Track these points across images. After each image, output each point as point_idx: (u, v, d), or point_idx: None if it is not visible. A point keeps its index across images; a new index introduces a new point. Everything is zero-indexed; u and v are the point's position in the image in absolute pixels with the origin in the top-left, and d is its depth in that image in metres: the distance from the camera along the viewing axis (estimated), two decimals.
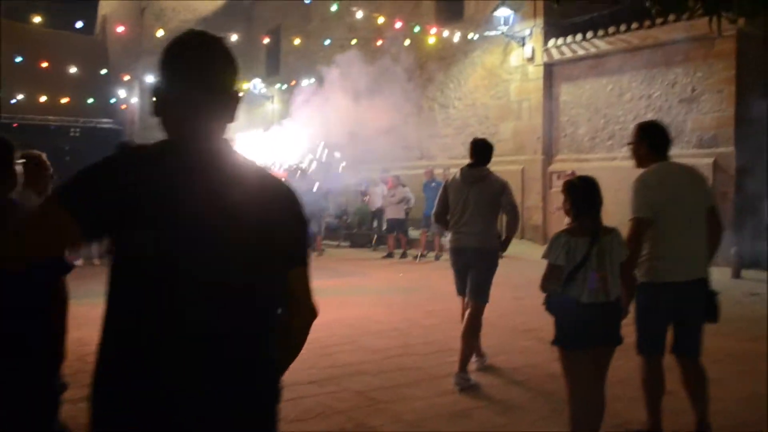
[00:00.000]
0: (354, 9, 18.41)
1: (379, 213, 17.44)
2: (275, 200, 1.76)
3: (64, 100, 21.43)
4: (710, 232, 4.23)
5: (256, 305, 1.73)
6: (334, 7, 18.68)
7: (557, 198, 15.13)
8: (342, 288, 10.82)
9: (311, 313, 1.86)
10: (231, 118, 1.79)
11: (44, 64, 18.49)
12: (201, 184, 1.64)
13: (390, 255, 15.62)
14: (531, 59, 16.19)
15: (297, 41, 20.73)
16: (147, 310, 1.63)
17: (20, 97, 20.29)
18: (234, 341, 1.67)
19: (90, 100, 22.46)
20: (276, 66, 25.82)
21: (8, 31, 19.32)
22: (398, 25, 17.69)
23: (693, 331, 4.20)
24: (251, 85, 24.87)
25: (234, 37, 20.03)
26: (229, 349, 1.67)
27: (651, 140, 4.28)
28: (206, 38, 1.76)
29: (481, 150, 5.90)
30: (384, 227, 17.01)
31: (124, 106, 24.57)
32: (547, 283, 3.78)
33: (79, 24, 16.52)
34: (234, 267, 1.67)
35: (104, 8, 27.32)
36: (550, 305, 3.85)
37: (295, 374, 5.73)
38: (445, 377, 5.68)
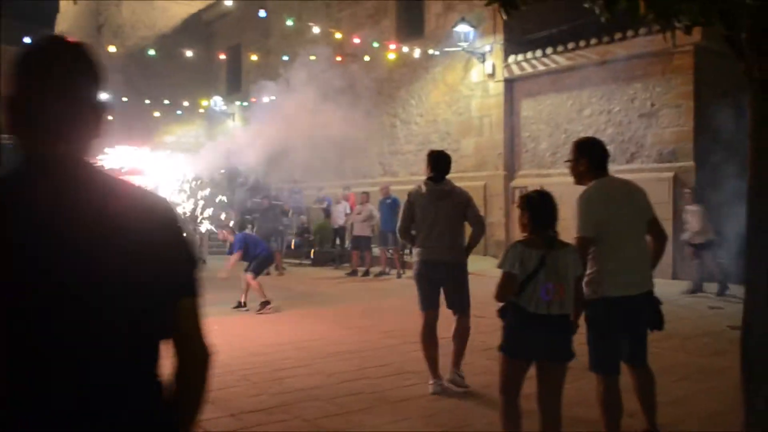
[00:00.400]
0: (311, 24, 18.26)
1: (341, 231, 17.21)
2: (153, 221, 1.53)
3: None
4: (654, 243, 4.30)
5: (136, 346, 1.50)
6: (289, 22, 18.53)
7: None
8: (299, 308, 10.57)
9: (202, 353, 1.63)
10: (96, 132, 1.55)
11: None
12: (65, 207, 1.43)
13: (354, 272, 15.40)
14: (492, 75, 16.13)
15: (254, 57, 20.52)
16: (12, 354, 1.38)
17: None
18: (109, 391, 1.44)
19: None
20: (237, 83, 25.55)
21: None
22: (356, 41, 17.58)
23: (641, 340, 4.24)
24: (212, 103, 24.59)
25: (189, 53, 19.78)
26: (104, 400, 1.44)
27: (591, 157, 4.26)
28: (63, 44, 1.54)
29: (442, 161, 5.86)
30: (347, 244, 16.82)
31: None
32: (502, 291, 3.80)
33: (26, 39, 16.03)
34: (110, 301, 1.44)
35: (61, 24, 26.84)
36: (502, 313, 3.89)
37: (241, 401, 5.54)
38: (400, 402, 5.46)
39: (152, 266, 1.49)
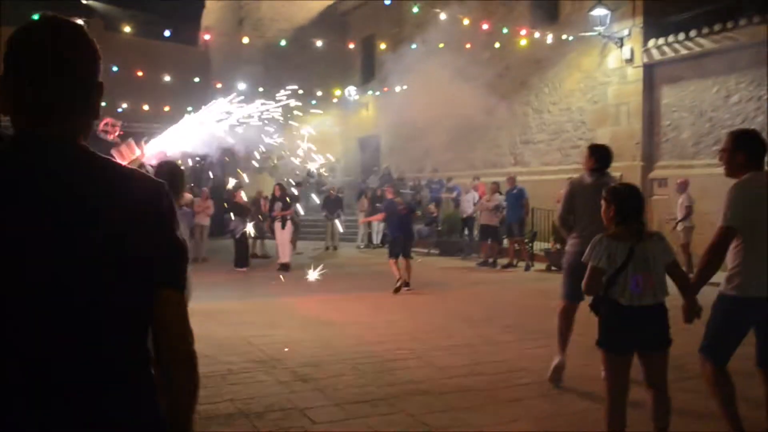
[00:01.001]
0: (437, 11, 18.09)
1: (469, 221, 17.01)
2: (137, 206, 1.48)
3: (166, 108, 22.02)
4: None
5: (114, 334, 1.45)
6: (415, 9, 18.47)
7: (660, 206, 14.27)
8: (419, 298, 10.51)
9: (183, 351, 1.54)
10: (94, 111, 1.55)
11: (140, 73, 19.08)
12: (42, 185, 1.41)
13: (485, 263, 15.14)
14: (630, 60, 15.33)
15: (383, 46, 20.61)
16: None
17: (124, 105, 20.99)
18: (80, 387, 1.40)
19: (189, 108, 23.03)
20: (370, 73, 25.78)
21: (112, 42, 20.05)
22: (485, 26, 17.25)
23: None
24: (346, 92, 24.96)
25: (319, 43, 20.14)
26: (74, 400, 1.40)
27: (749, 150, 4.10)
28: (54, 23, 1.50)
29: (606, 155, 5.96)
30: (474, 234, 16.61)
31: None
32: (589, 285, 3.85)
33: (166, 33, 16.94)
34: (78, 287, 1.40)
35: (207, 19, 28.10)
36: (594, 306, 3.89)
37: (348, 391, 5.53)
38: (510, 402, 5.26)
39: (129, 252, 1.43)
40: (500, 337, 7.56)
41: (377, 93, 23.90)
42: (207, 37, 21.81)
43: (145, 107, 21.34)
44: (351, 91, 25.10)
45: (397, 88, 22.92)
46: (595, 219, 5.62)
